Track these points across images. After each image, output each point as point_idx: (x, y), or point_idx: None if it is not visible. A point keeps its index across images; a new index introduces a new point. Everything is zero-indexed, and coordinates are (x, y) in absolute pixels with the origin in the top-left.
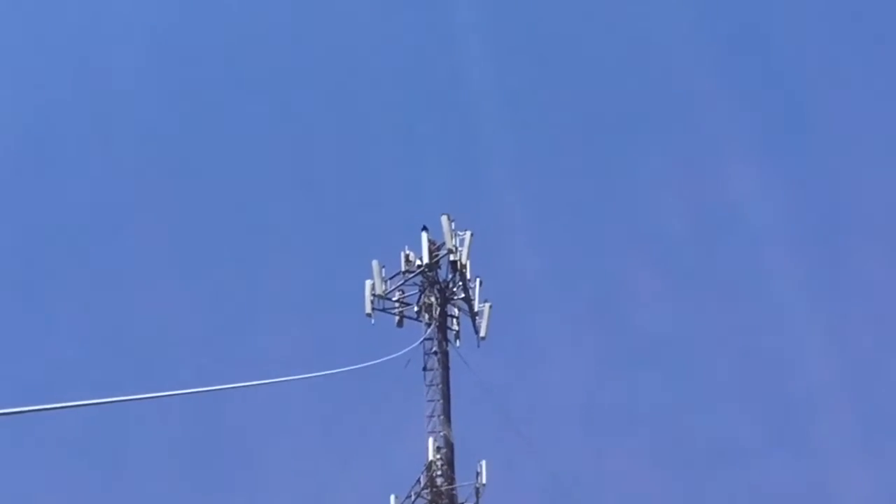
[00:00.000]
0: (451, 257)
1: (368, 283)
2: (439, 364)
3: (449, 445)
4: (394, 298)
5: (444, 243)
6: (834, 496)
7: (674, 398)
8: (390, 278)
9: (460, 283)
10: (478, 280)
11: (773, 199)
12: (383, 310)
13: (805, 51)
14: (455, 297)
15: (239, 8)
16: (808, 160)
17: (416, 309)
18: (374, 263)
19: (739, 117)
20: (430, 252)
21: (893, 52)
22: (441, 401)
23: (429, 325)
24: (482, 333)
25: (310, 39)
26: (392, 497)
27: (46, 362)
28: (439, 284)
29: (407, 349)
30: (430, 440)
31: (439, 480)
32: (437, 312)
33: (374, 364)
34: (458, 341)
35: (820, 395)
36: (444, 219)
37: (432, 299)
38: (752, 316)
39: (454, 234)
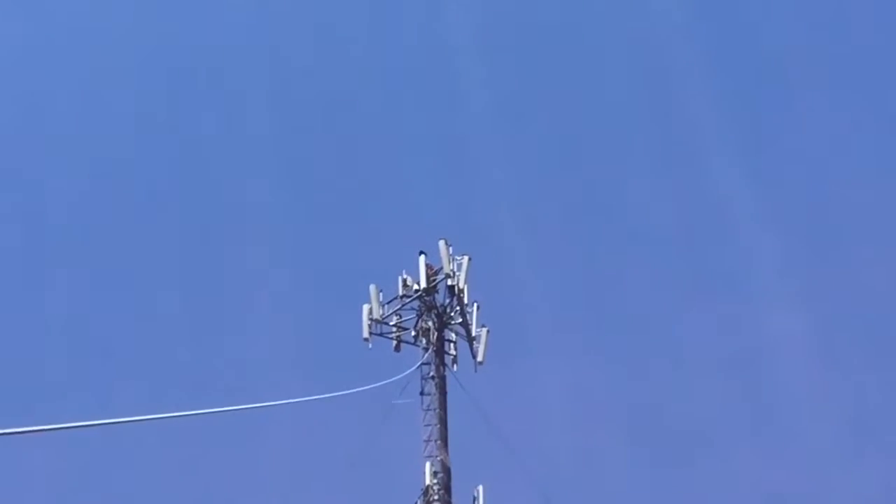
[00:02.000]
0: (449, 282)
1: (366, 307)
2: (436, 389)
3: (445, 470)
4: (391, 323)
5: (441, 268)
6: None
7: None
8: (388, 303)
9: (458, 308)
10: (475, 305)
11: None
12: (381, 334)
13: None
14: (452, 322)
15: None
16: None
17: (413, 333)
18: (372, 288)
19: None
20: (428, 276)
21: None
22: (438, 425)
23: (426, 349)
24: (480, 358)
25: (302, 59)
26: None
27: None
28: (437, 309)
29: (404, 374)
30: (427, 465)
31: None
32: (435, 337)
33: (371, 388)
34: (455, 366)
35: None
36: (441, 243)
37: (430, 324)
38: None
39: (452, 258)
